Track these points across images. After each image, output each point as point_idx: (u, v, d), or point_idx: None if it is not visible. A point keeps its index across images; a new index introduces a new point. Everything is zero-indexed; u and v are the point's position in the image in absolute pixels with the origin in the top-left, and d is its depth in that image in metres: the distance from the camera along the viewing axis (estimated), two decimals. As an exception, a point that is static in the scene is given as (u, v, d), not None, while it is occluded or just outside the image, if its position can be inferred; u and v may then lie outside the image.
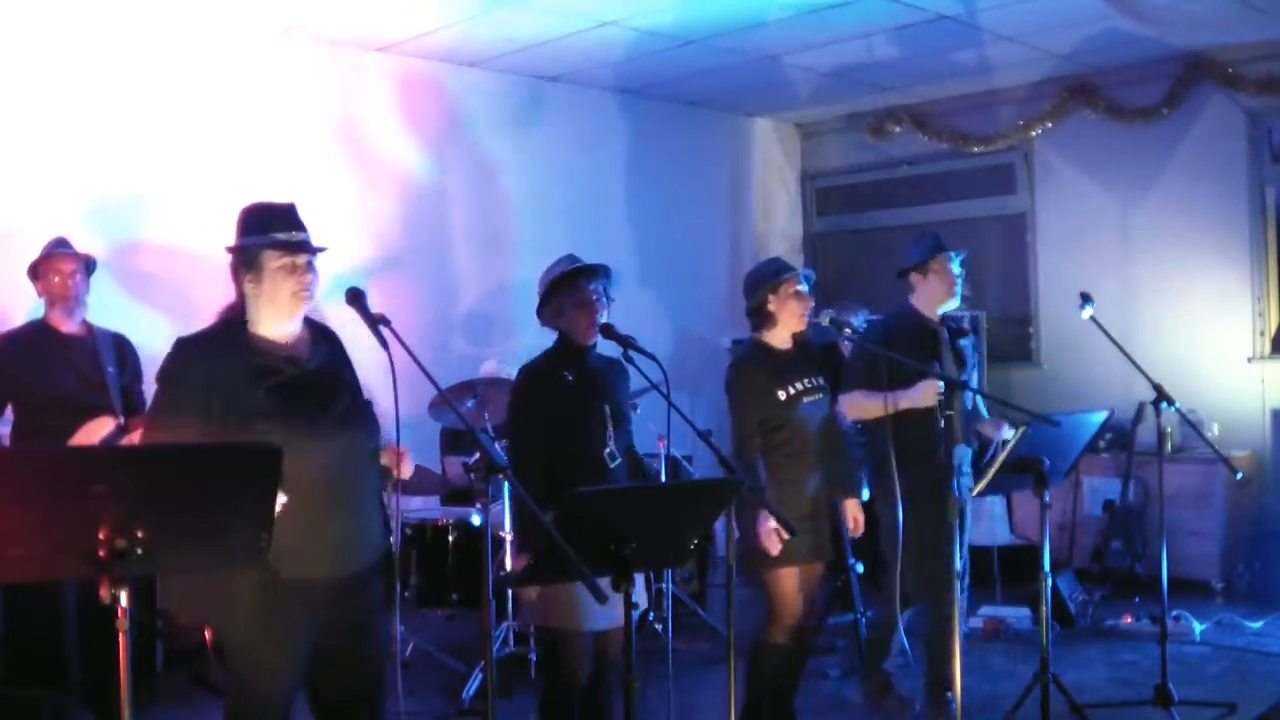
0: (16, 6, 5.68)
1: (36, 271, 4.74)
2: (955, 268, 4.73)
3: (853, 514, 4.44)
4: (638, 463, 4.07)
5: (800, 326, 4.33)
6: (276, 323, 3.06)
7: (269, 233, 3.01)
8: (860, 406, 4.63)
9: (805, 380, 4.29)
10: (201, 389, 2.93)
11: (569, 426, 3.80)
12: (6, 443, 4.65)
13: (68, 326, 4.72)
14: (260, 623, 2.92)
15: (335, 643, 3.06)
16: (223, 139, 6.29)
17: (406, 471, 3.13)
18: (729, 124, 8.90)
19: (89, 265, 4.80)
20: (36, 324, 4.78)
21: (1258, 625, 6.11)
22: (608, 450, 3.82)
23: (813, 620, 4.52)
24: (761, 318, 4.34)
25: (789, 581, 4.24)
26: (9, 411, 4.70)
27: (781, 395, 4.24)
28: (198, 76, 6.24)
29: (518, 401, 3.89)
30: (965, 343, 4.85)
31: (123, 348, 4.84)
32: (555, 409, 3.80)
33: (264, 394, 2.95)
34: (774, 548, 4.06)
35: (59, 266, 4.69)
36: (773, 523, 3.97)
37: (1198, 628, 6.01)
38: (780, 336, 4.34)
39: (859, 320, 6.65)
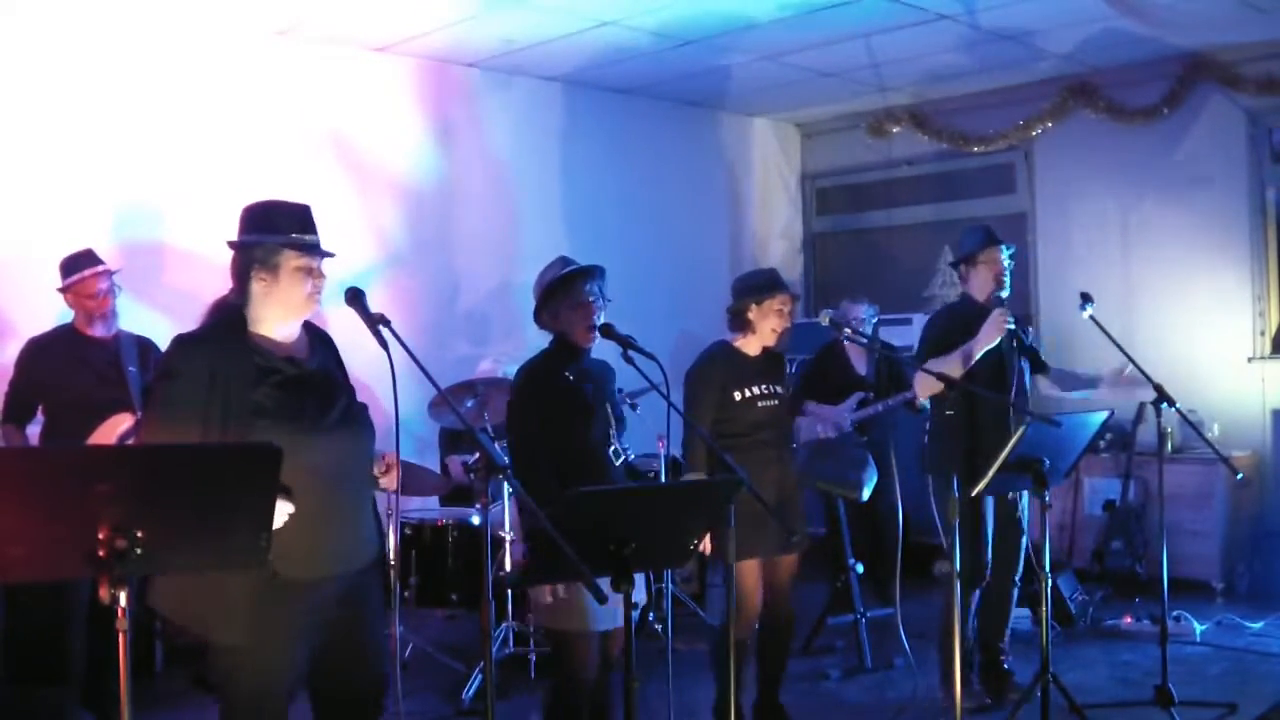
0: (19, 19, 5.69)
1: (68, 290, 4.82)
2: (1005, 259, 4.85)
3: None
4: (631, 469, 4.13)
5: (772, 343, 4.47)
6: (281, 323, 3.05)
7: (287, 232, 2.99)
8: (936, 375, 4.46)
9: (763, 387, 4.44)
10: (203, 388, 2.89)
11: (576, 425, 3.81)
12: (37, 444, 4.71)
13: (98, 332, 4.81)
14: (257, 624, 2.89)
15: (335, 644, 3.05)
16: (221, 141, 6.29)
17: (390, 483, 3.11)
18: (729, 124, 8.90)
19: (114, 275, 4.90)
20: (64, 329, 4.88)
21: (1258, 625, 6.11)
22: (613, 449, 3.85)
23: (784, 613, 4.55)
24: (740, 323, 4.46)
25: (748, 575, 4.30)
26: (39, 414, 4.82)
27: (737, 396, 4.38)
28: (195, 79, 6.23)
29: (520, 402, 3.88)
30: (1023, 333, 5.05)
31: (146, 348, 4.92)
32: (560, 408, 3.81)
33: (265, 392, 2.93)
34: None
35: (94, 288, 4.77)
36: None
37: (1198, 628, 6.01)
38: (751, 345, 4.48)
39: (869, 313, 6.63)
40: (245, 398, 2.91)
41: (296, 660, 3.00)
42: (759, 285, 4.44)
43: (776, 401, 4.46)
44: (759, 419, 4.39)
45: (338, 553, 3.00)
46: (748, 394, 4.39)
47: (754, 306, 4.40)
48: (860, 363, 6.47)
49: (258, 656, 2.93)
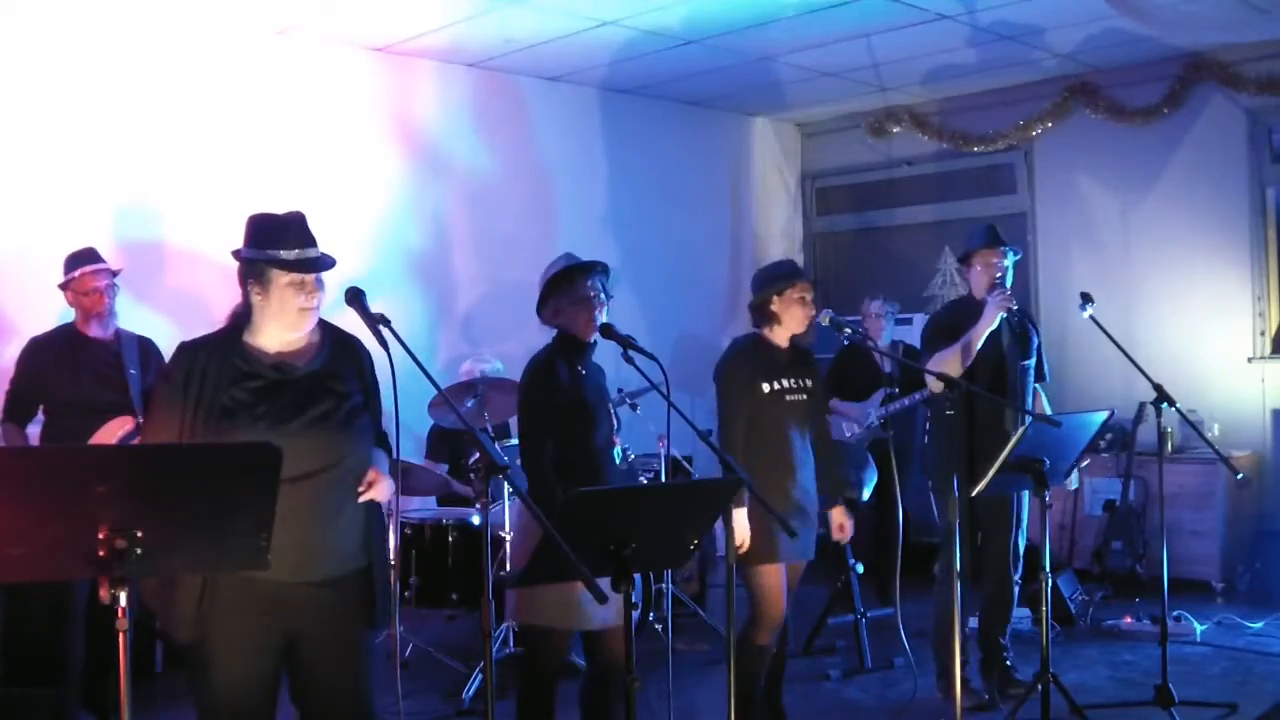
0: (19, 19, 5.69)
1: (68, 286, 4.81)
2: (1001, 262, 4.88)
3: (838, 521, 4.49)
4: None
5: (799, 330, 4.42)
6: (280, 334, 3.05)
7: (278, 247, 2.98)
8: (946, 362, 4.73)
9: (792, 380, 4.38)
10: (180, 386, 2.94)
11: (583, 424, 3.82)
12: (36, 444, 4.71)
13: (95, 332, 4.81)
14: (202, 622, 2.90)
15: (306, 653, 3.01)
16: (221, 141, 6.28)
17: (375, 494, 3.05)
18: (729, 124, 8.90)
19: (115, 275, 4.89)
20: (65, 329, 4.88)
21: (1258, 625, 6.11)
22: (617, 449, 3.86)
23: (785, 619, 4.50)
24: (763, 315, 4.42)
25: (774, 578, 4.27)
26: (40, 413, 4.82)
27: (765, 388, 4.31)
28: (195, 79, 6.23)
29: (530, 399, 3.86)
30: (1030, 330, 5.05)
31: (147, 350, 4.92)
32: (569, 407, 3.81)
33: (236, 394, 2.94)
34: (745, 546, 4.11)
35: (90, 285, 4.76)
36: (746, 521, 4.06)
37: (1198, 628, 6.01)
38: (779, 336, 4.42)
39: (889, 310, 6.78)
40: (217, 398, 2.93)
41: (260, 663, 2.96)
42: (778, 275, 4.42)
43: (805, 396, 4.39)
44: (786, 414, 4.33)
45: (298, 557, 2.91)
46: (776, 386, 4.32)
47: (775, 298, 4.36)
48: (886, 360, 6.55)
49: (212, 657, 2.92)
